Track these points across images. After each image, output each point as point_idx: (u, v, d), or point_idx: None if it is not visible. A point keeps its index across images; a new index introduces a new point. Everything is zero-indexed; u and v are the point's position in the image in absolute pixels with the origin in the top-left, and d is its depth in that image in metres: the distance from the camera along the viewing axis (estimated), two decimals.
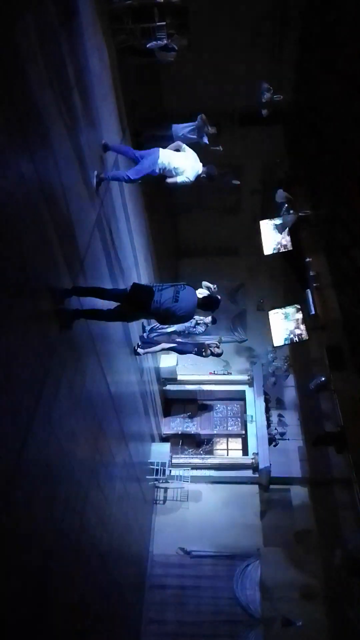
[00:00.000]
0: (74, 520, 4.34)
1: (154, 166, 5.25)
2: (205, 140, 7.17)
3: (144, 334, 7.33)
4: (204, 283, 7.39)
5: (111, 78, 6.01)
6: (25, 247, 3.23)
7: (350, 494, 6.14)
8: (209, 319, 7.69)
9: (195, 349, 7.76)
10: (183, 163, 5.40)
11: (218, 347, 7.88)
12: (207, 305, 4.48)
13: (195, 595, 8.17)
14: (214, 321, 7.77)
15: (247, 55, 8.72)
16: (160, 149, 5.33)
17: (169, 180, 5.40)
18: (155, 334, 7.39)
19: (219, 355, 7.99)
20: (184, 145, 5.63)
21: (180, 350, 7.79)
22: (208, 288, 7.25)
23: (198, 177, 5.58)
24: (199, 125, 7.15)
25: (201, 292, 7.24)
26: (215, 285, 7.45)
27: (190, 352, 7.86)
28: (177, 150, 5.58)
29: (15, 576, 3.08)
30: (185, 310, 4.24)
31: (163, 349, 7.38)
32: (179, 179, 5.40)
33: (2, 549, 2.88)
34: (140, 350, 6.95)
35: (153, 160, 5.25)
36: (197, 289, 7.44)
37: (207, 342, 7.79)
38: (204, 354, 7.81)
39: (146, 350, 7.07)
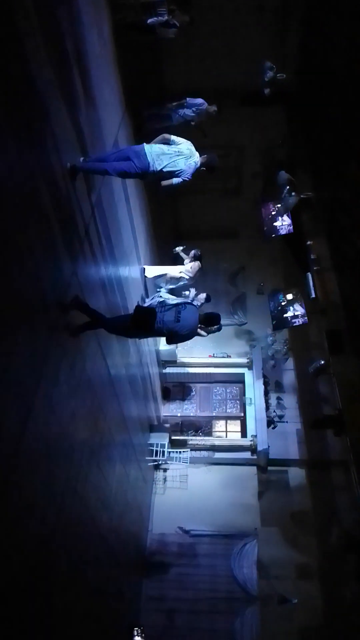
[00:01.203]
0: (74, 500, 4.40)
1: (140, 164, 4.65)
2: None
3: None
4: (180, 253, 7.64)
5: (111, 56, 5.90)
6: (24, 229, 3.21)
7: (347, 475, 6.21)
8: (202, 296, 7.63)
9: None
10: (176, 162, 4.83)
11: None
12: (209, 321, 4.71)
13: (193, 573, 8.33)
14: (208, 299, 7.69)
15: (250, 32, 8.54)
16: (146, 146, 4.72)
17: (164, 183, 4.91)
18: None
19: (218, 330, 7.57)
20: (173, 137, 4.97)
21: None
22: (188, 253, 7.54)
23: (198, 170, 5.02)
24: (199, 110, 7.09)
25: (187, 267, 7.49)
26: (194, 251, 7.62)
27: None
28: (166, 143, 4.95)
29: (15, 554, 3.13)
30: (187, 329, 4.52)
31: None
32: (175, 181, 4.89)
33: (2, 528, 2.93)
34: None
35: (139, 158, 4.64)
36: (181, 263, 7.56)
37: None
38: (202, 333, 7.65)
39: None
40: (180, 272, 7.82)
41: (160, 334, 4.57)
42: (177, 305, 4.52)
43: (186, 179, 4.90)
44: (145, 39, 7.15)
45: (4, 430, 2.97)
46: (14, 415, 3.10)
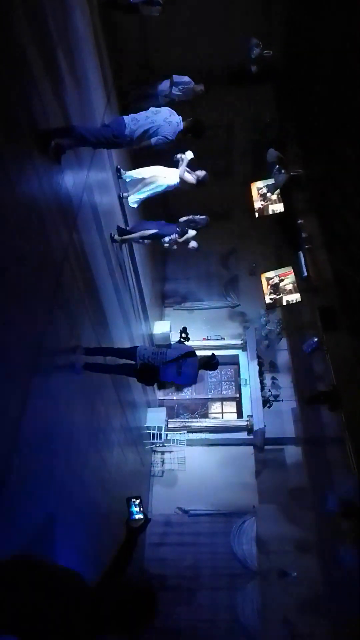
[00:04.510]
0: (74, 483, 4.44)
1: (115, 125, 4.61)
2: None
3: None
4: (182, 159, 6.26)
5: (95, 35, 5.78)
6: (15, 220, 3.18)
7: (342, 450, 6.30)
8: (188, 155, 6.18)
9: (178, 230, 6.66)
10: (154, 119, 4.69)
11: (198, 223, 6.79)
12: (209, 366, 5.09)
13: (194, 551, 8.47)
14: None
15: (235, 8, 8.38)
16: (125, 117, 4.69)
17: (142, 144, 4.71)
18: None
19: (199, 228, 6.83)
20: (153, 109, 4.87)
21: (162, 235, 6.65)
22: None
23: (184, 135, 4.87)
24: (186, 89, 6.96)
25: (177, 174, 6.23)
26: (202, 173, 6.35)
27: (174, 235, 6.68)
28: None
29: (16, 539, 3.16)
30: (187, 381, 5.05)
31: (143, 236, 6.55)
32: (153, 141, 4.67)
33: (4, 512, 2.95)
34: (117, 237, 6.34)
35: (117, 123, 4.61)
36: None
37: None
38: (179, 239, 6.71)
39: (123, 237, 6.42)
40: (166, 177, 6.26)
41: (162, 385, 5.28)
42: (177, 359, 4.85)
43: (167, 136, 4.68)
44: (129, 17, 7.00)
45: (3, 414, 2.98)
46: (12, 400, 3.11)
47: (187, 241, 6.71)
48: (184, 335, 8.27)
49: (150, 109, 4.85)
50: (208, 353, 5.24)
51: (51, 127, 3.89)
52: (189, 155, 6.12)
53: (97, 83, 5.81)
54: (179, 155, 6.19)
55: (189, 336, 8.14)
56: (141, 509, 2.59)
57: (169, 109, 4.93)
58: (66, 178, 4.31)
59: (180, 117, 4.90)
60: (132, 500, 2.60)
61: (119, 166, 6.64)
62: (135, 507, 2.59)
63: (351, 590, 5.50)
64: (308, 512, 8.53)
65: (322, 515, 7.67)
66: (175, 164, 6.25)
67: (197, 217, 6.81)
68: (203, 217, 6.85)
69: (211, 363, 5.05)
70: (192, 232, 6.72)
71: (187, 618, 7.86)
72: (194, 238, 6.75)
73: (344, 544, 5.19)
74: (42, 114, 3.73)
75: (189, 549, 8.50)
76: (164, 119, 4.73)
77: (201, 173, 6.28)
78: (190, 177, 6.17)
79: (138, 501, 2.59)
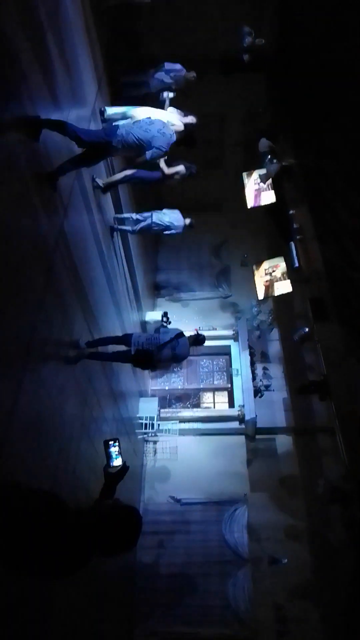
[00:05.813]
0: (67, 472, 4.46)
1: (108, 128, 4.64)
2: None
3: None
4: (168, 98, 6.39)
5: (85, 22, 5.71)
6: (5, 208, 3.16)
7: (332, 439, 6.38)
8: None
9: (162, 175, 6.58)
10: (148, 128, 4.67)
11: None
12: (197, 343, 5.44)
13: (185, 539, 8.53)
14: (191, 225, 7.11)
15: None
16: (119, 124, 4.70)
17: (138, 160, 4.75)
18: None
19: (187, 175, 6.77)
20: (148, 108, 4.94)
21: (147, 178, 6.47)
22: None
23: (175, 145, 4.90)
24: (177, 76, 6.89)
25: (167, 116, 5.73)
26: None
27: (157, 179, 6.60)
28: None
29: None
30: (182, 358, 5.43)
31: (126, 176, 6.21)
32: (148, 155, 4.67)
33: None
34: (98, 181, 5.94)
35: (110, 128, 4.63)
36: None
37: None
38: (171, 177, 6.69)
39: (109, 180, 6.15)
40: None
41: (156, 367, 5.56)
42: (171, 341, 5.20)
43: (161, 147, 4.72)
44: (120, 4, 6.91)
45: None
46: (5, 389, 3.11)
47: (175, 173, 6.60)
48: (165, 319, 8.57)
49: (144, 119, 4.85)
50: (192, 332, 5.62)
51: (40, 114, 3.84)
52: (171, 94, 6.34)
53: (88, 69, 5.74)
54: (164, 94, 6.39)
55: (169, 320, 8.43)
56: (119, 450, 2.46)
57: (162, 121, 4.90)
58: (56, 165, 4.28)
59: (172, 130, 4.94)
60: (110, 442, 2.45)
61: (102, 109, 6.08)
62: (114, 447, 2.46)
63: (340, 576, 5.61)
64: (298, 499, 8.64)
65: (312, 502, 7.78)
66: (161, 105, 6.27)
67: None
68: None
69: (198, 339, 5.43)
70: (181, 168, 6.63)
71: (180, 604, 7.96)
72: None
73: (332, 526, 5.29)
74: (30, 99, 3.69)
75: (181, 536, 8.57)
76: (158, 130, 4.76)
77: (190, 117, 6.14)
78: (177, 117, 5.94)
79: (117, 443, 2.46)
